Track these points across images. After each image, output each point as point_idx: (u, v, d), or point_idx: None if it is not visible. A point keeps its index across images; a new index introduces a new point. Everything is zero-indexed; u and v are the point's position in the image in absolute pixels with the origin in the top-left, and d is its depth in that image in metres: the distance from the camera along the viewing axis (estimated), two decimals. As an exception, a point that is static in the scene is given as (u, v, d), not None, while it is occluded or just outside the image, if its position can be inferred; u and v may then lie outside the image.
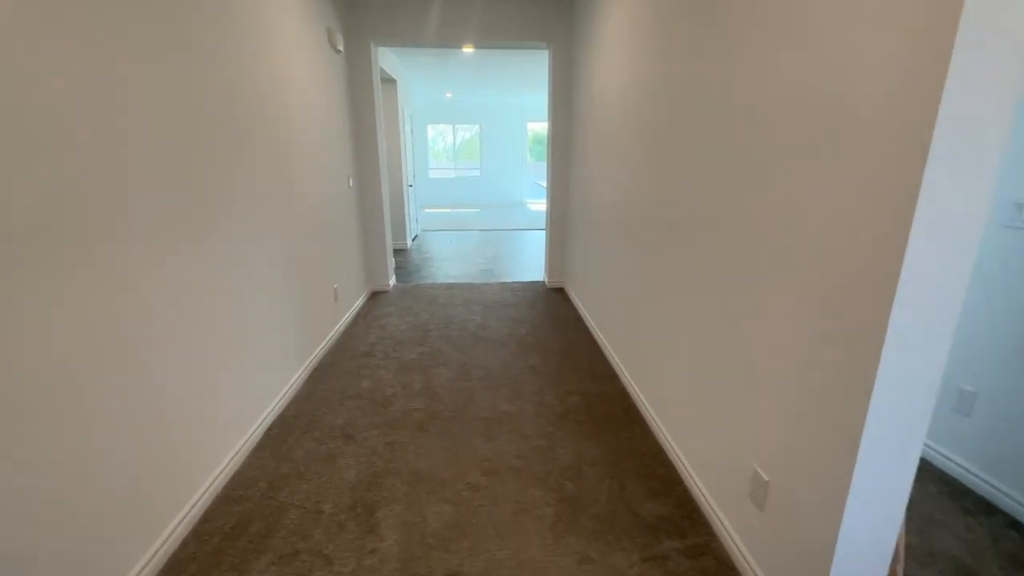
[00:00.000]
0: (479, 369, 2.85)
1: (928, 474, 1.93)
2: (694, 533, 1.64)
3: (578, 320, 3.70)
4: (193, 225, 1.68)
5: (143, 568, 1.41)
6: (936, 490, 1.85)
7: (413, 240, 6.93)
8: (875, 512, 1.10)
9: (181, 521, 1.59)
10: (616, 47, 2.75)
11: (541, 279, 4.89)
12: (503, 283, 4.74)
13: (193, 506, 1.66)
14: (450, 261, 5.76)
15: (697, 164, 1.76)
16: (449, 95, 10.16)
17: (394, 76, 5.50)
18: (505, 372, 2.81)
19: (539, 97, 10.03)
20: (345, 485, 1.86)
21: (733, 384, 1.53)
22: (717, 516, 1.63)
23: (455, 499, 1.79)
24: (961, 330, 1.86)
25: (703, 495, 1.73)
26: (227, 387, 1.91)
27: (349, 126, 3.74)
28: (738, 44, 1.48)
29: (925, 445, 2.02)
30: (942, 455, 1.95)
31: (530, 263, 5.67)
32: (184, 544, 1.58)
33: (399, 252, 6.17)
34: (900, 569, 1.17)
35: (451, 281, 4.83)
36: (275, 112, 2.36)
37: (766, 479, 1.35)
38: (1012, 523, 1.68)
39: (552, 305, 4.07)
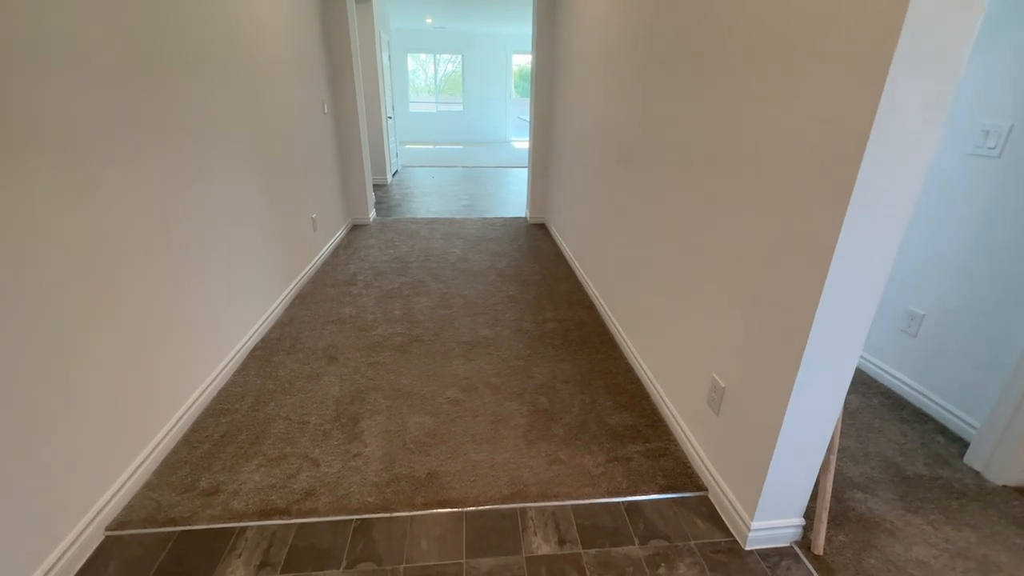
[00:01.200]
0: (459, 298, 2.91)
1: (872, 389, 2.10)
2: (656, 438, 1.77)
3: (558, 253, 3.75)
4: (157, 142, 1.63)
5: (135, 470, 1.49)
6: (878, 403, 2.01)
7: (394, 175, 6.78)
8: (814, 407, 1.21)
9: (170, 431, 1.66)
10: (603, -38, 2.61)
11: (523, 215, 4.88)
12: (485, 219, 4.73)
13: (180, 418, 1.73)
14: (431, 197, 5.68)
15: (670, 95, 1.74)
16: (430, 21, 9.55)
17: (369, -5, 5.13)
18: (485, 301, 2.88)
19: (525, 27, 9.53)
20: (329, 400, 1.95)
21: (698, 302, 1.61)
22: (678, 423, 1.76)
23: (435, 411, 1.89)
24: (917, 256, 1.96)
25: (666, 406, 1.86)
26: (207, 308, 1.93)
27: (321, 46, 3.54)
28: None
29: (872, 363, 2.18)
30: (887, 372, 2.11)
31: (512, 200, 5.63)
32: (175, 450, 1.66)
33: (379, 187, 6.04)
34: (834, 458, 1.31)
35: (432, 216, 4.79)
36: (241, 24, 2.22)
37: (723, 385, 1.46)
38: (941, 429, 1.86)
39: (533, 239, 4.10)
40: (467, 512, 1.46)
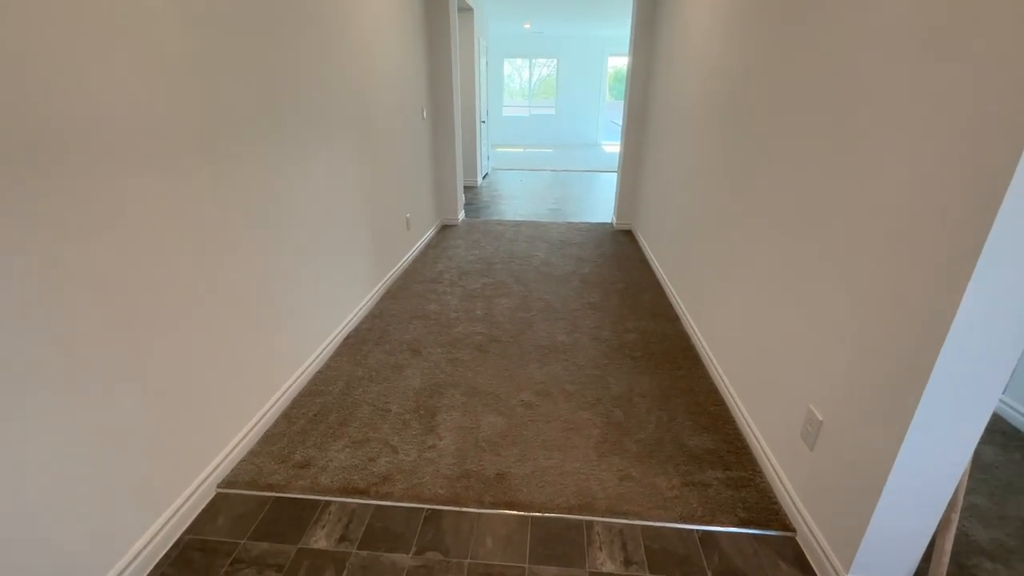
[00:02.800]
0: (539, 302, 2.92)
1: (1015, 441, 1.78)
2: (739, 467, 1.65)
3: (643, 261, 3.62)
4: (275, 145, 1.82)
5: (243, 437, 1.68)
6: (1022, 457, 1.71)
7: (483, 178, 6.97)
8: (934, 456, 1.05)
9: (273, 405, 1.85)
10: (710, -41, 2.48)
11: (609, 221, 4.79)
12: (570, 223, 4.70)
13: (283, 395, 1.92)
14: (519, 200, 5.77)
15: (779, 96, 1.60)
16: (527, 26, 9.70)
17: (471, 4, 5.33)
18: (565, 306, 2.87)
19: (622, 28, 9.33)
20: (410, 391, 2.05)
21: (796, 325, 1.47)
22: (765, 453, 1.62)
23: (508, 413, 1.92)
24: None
25: (753, 433, 1.72)
26: (313, 296, 2.13)
27: (425, 55, 3.74)
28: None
29: (1017, 411, 1.85)
30: (1037, 424, 1.78)
31: (599, 205, 5.55)
32: (276, 423, 1.85)
33: (469, 189, 6.25)
34: (956, 516, 1.13)
35: (518, 219, 4.86)
36: (354, 35, 2.42)
37: (820, 418, 1.33)
38: (1109, 500, 1.53)
39: (618, 245, 4.00)
40: (533, 517, 1.47)
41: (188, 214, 1.38)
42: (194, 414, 1.46)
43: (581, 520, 1.46)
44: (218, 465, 1.55)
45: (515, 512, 1.48)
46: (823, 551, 1.28)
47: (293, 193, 1.93)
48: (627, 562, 1.33)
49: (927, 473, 1.07)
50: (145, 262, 1.25)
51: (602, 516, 1.46)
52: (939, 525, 1.15)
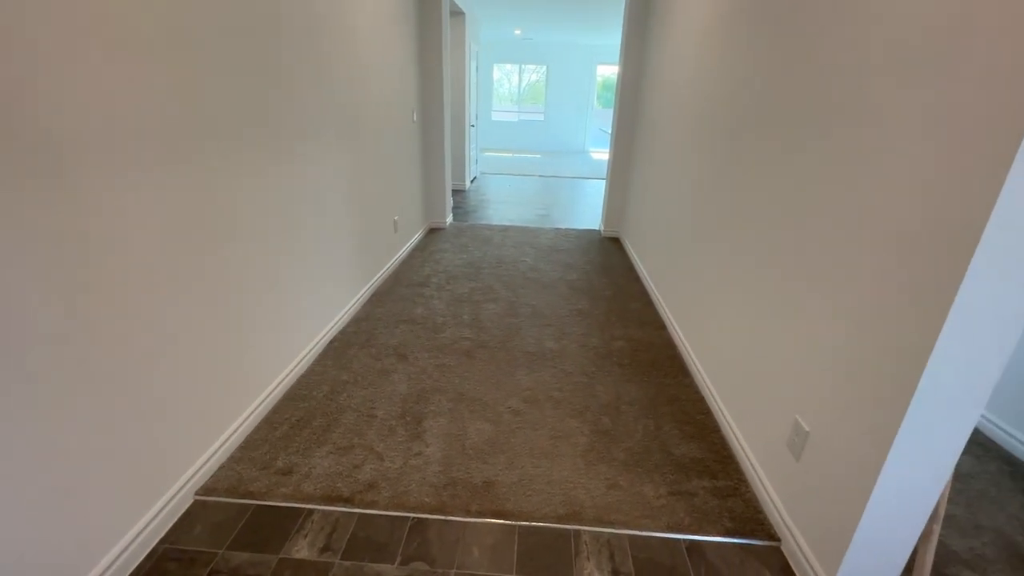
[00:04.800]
0: (527, 308, 2.92)
1: (991, 453, 1.83)
2: (725, 476, 1.66)
3: (630, 269, 3.65)
4: (263, 144, 1.79)
5: (223, 443, 1.63)
6: (996, 468, 1.75)
7: (472, 181, 6.96)
8: (917, 469, 1.07)
9: (255, 410, 1.81)
10: (702, -26, 2.52)
11: (597, 228, 4.81)
12: (558, 229, 4.72)
13: (264, 399, 1.87)
14: (507, 204, 5.77)
15: (772, 111, 1.63)
16: (518, 32, 9.74)
17: (463, 9, 5.34)
18: (552, 312, 2.87)
19: (612, 38, 9.44)
20: (397, 396, 2.02)
21: (784, 338, 1.49)
22: (751, 463, 1.64)
23: (495, 420, 1.91)
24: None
25: (739, 443, 1.74)
26: (296, 298, 2.08)
27: (416, 58, 3.73)
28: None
29: (992, 423, 1.90)
30: (1011, 435, 1.83)
31: (587, 212, 5.58)
32: (258, 428, 1.80)
33: (457, 192, 6.23)
34: (937, 528, 1.15)
35: (506, 224, 4.86)
36: (346, 33, 2.39)
37: (807, 429, 1.34)
38: (1079, 510, 1.58)
39: (606, 253, 4.02)
40: (520, 526, 1.45)
41: (168, 214, 1.34)
42: (170, 418, 1.41)
43: (568, 530, 1.45)
44: (196, 472, 1.51)
45: (502, 521, 1.46)
46: (808, 561, 1.30)
47: (278, 193, 1.89)
48: (615, 572, 1.32)
49: (911, 485, 1.09)
50: (118, 258, 1.20)
51: (590, 525, 1.46)
52: (921, 536, 1.17)
